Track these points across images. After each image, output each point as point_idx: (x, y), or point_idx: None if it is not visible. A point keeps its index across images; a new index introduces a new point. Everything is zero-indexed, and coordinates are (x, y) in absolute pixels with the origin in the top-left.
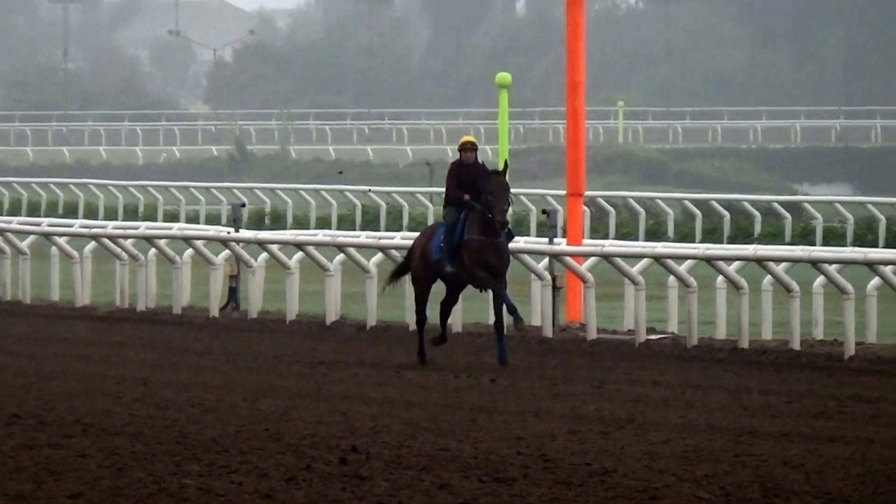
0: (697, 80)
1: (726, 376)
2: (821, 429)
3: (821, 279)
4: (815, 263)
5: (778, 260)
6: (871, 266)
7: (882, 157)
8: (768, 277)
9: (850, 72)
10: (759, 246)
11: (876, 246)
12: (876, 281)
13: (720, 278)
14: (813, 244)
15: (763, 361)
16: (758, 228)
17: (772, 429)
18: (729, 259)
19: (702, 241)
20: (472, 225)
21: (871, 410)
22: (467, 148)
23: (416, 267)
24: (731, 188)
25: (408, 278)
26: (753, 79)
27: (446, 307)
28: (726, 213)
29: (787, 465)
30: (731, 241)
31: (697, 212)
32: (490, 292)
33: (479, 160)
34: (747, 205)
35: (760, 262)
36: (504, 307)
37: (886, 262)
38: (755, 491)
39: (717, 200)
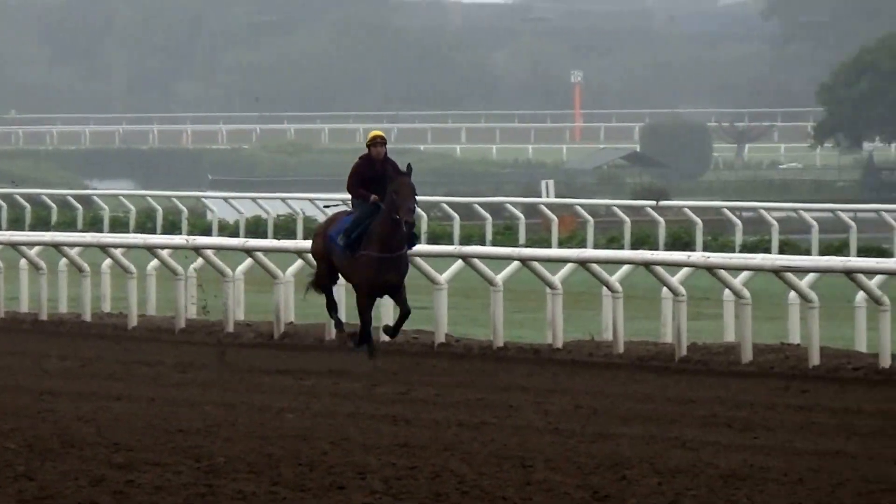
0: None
1: (28, 344)
2: (109, 388)
3: (108, 261)
4: (149, 249)
5: (71, 245)
6: (151, 250)
7: (159, 157)
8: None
9: (131, 85)
10: (57, 233)
11: (155, 232)
12: (155, 262)
13: (23, 261)
14: (101, 231)
15: (61, 331)
16: (55, 218)
17: (68, 389)
18: (30, 244)
19: (7, 230)
20: (375, 233)
21: (152, 372)
22: (377, 143)
23: (318, 250)
24: (33, 184)
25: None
26: (50, 90)
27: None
28: (28, 205)
29: (81, 420)
30: (33, 228)
31: (3, 203)
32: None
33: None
34: (46, 198)
35: (57, 245)
36: (401, 326)
37: (163, 247)
38: (55, 442)
39: (20, 194)
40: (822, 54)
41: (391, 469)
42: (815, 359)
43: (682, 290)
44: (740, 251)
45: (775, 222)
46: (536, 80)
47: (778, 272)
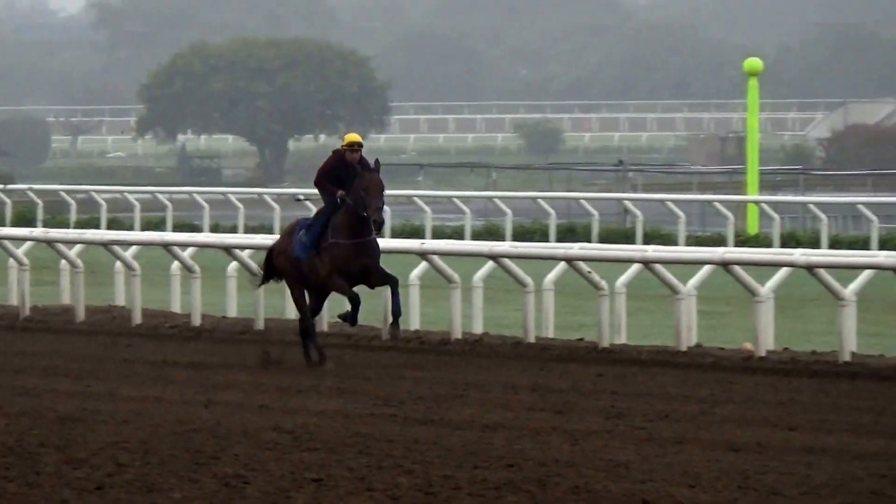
0: None
1: None
2: None
3: None
4: None
5: None
6: None
7: None
8: None
9: None
10: None
11: None
12: None
13: None
14: None
15: None
16: None
17: None
18: None
19: None
20: (340, 223)
21: None
22: (354, 149)
23: (284, 269)
24: None
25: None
26: None
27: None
28: None
29: None
30: None
31: None
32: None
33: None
34: None
35: None
36: (398, 298)
37: None
38: None
39: None
40: (143, 59)
41: None
42: (138, 318)
43: (25, 260)
44: (74, 227)
45: (104, 202)
46: None
47: (106, 245)
